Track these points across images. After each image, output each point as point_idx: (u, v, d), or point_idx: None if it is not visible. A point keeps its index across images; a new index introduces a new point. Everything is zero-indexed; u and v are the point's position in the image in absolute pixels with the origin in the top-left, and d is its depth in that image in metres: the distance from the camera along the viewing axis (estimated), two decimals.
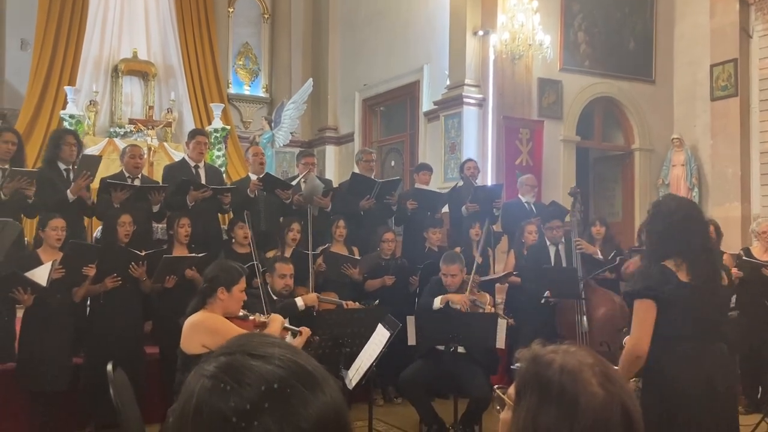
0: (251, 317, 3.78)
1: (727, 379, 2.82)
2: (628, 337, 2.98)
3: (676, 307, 2.75)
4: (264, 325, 3.78)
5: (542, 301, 5.67)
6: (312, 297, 5.07)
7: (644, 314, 2.79)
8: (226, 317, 3.49)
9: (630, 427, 1.10)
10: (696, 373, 2.72)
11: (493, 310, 5.24)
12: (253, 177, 6.35)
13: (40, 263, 4.70)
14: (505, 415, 1.20)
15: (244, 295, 3.57)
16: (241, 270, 3.57)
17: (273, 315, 3.81)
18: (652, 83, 9.81)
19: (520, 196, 7.26)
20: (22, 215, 5.50)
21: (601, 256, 6.06)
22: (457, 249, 6.11)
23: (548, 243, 6.05)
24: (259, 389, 0.81)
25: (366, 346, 4.00)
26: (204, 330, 3.29)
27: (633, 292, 2.86)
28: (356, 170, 7.31)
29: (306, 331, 3.93)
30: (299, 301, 4.97)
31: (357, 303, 5.41)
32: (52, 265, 4.58)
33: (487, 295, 5.57)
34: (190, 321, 3.35)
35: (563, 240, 6.01)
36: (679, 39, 9.79)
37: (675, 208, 2.87)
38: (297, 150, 10.37)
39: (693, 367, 2.73)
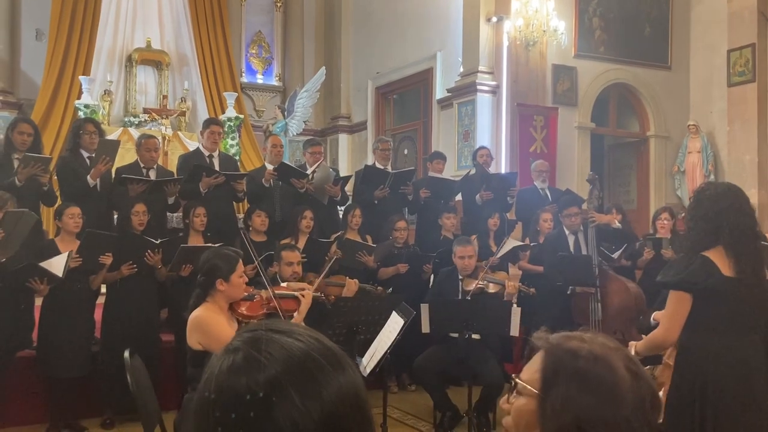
0: (257, 296, 3.81)
1: (763, 372, 2.77)
2: (657, 312, 2.94)
3: (718, 301, 2.68)
4: (270, 300, 3.82)
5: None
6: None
7: (678, 306, 2.74)
8: (232, 303, 3.51)
9: (655, 403, 1.13)
10: (735, 367, 2.67)
11: (512, 283, 5.22)
12: (269, 167, 6.37)
13: (57, 252, 4.75)
14: (521, 402, 1.20)
15: (245, 278, 3.56)
16: (236, 255, 3.54)
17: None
18: (668, 69, 9.71)
19: (534, 182, 7.22)
20: (41, 204, 5.56)
21: (619, 225, 5.93)
22: (473, 237, 6.09)
23: (567, 232, 5.94)
24: (282, 362, 0.81)
25: (380, 334, 4.01)
26: (198, 328, 3.33)
27: (669, 283, 2.77)
28: (372, 159, 7.31)
29: (307, 293, 3.98)
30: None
31: (357, 281, 5.25)
32: (68, 256, 4.63)
33: (503, 272, 5.56)
34: (191, 318, 3.37)
35: (582, 228, 5.88)
36: (696, 24, 9.67)
37: (722, 194, 2.76)
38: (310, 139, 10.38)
39: (732, 361, 2.68)
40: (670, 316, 2.77)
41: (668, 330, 2.76)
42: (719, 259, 2.69)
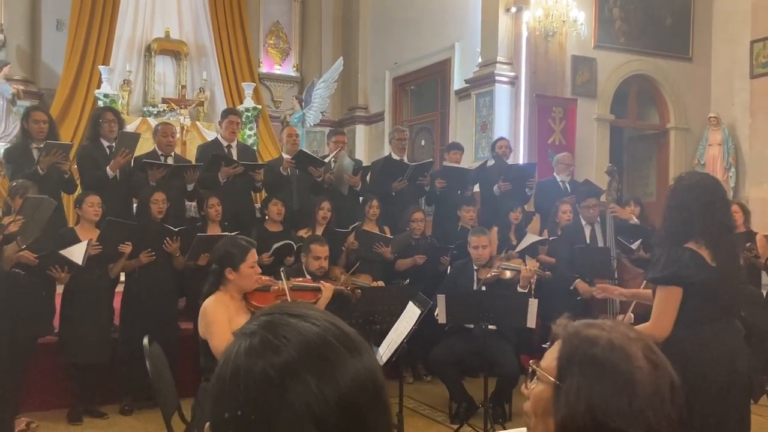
0: (273, 288, 3.80)
1: (745, 359, 2.78)
2: (646, 324, 2.90)
3: (705, 292, 2.69)
4: (285, 292, 3.81)
5: (571, 287, 5.56)
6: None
7: (670, 301, 2.72)
8: (246, 294, 3.48)
9: (675, 395, 1.11)
10: (718, 355, 2.69)
11: (527, 267, 5.22)
12: (287, 157, 6.39)
13: (77, 240, 4.80)
14: (539, 389, 1.19)
15: (257, 269, 3.45)
16: (248, 244, 3.44)
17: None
18: (690, 60, 9.59)
19: (555, 174, 7.16)
20: (62, 191, 5.61)
21: (637, 221, 5.94)
22: (494, 228, 6.06)
23: (583, 222, 5.89)
24: (298, 346, 0.81)
25: (396, 324, 4.01)
26: (203, 319, 3.31)
27: (661, 278, 2.75)
28: (388, 149, 7.30)
29: (328, 285, 3.99)
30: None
31: (382, 283, 5.32)
32: (88, 244, 4.68)
33: (519, 260, 5.55)
34: (201, 307, 3.35)
35: (599, 219, 5.86)
36: (718, 14, 9.53)
37: (695, 185, 2.77)
38: (327, 129, 10.38)
39: (715, 349, 2.69)
40: (662, 312, 2.73)
41: (661, 327, 2.71)
42: (701, 250, 2.71)
